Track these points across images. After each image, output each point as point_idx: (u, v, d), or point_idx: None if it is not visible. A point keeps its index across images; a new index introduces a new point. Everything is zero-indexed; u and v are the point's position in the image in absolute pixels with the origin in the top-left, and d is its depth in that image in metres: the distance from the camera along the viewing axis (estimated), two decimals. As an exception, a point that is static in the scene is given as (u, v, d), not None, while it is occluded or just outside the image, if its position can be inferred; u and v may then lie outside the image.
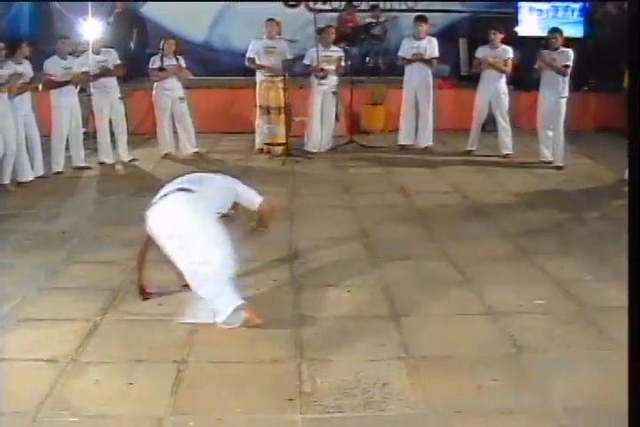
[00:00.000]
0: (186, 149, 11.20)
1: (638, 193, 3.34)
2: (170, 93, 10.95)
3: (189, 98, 11.22)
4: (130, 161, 10.84)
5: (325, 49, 11.20)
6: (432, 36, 11.48)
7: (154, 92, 11.03)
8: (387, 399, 4.10)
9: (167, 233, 5.10)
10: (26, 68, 9.19)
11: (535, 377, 4.37)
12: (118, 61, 10.63)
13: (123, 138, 10.86)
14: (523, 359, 4.61)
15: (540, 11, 14.07)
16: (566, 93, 10.11)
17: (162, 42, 11.03)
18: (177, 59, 10.94)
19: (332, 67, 11.25)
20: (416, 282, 5.95)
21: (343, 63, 11.41)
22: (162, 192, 5.30)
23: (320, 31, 11.47)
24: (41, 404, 4.04)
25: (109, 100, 10.58)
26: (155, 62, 10.87)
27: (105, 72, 10.42)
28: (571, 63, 9.95)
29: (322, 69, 11.10)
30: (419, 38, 11.27)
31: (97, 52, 10.41)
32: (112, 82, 10.59)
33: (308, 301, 5.54)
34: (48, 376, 4.36)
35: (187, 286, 5.45)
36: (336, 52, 11.37)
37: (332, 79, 11.34)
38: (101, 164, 10.60)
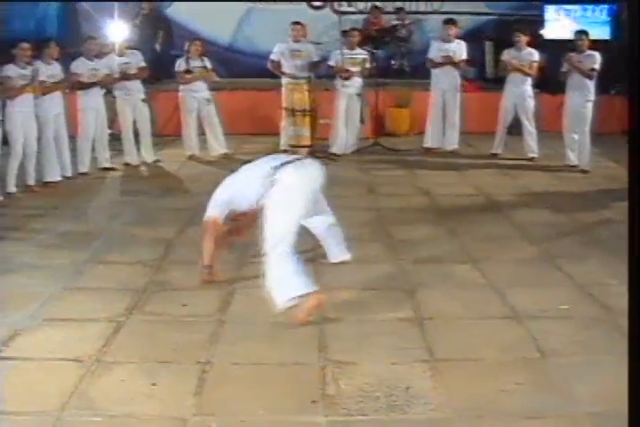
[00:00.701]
0: (214, 151, 11.22)
1: (638, 193, 3.33)
2: (196, 95, 10.98)
3: (215, 99, 11.24)
4: (154, 162, 10.89)
5: (350, 51, 11.20)
6: (461, 38, 11.45)
7: (180, 94, 11.07)
8: (410, 403, 4.09)
9: (310, 190, 5.54)
10: (56, 69, 9.26)
11: (559, 381, 4.35)
12: (143, 64, 10.64)
13: (147, 139, 10.90)
14: (546, 363, 4.59)
15: (567, 10, 14.00)
16: (593, 97, 10.06)
17: (187, 43, 11.07)
18: (202, 60, 10.99)
19: (357, 69, 11.24)
20: (440, 284, 5.94)
21: (368, 65, 11.40)
22: (273, 162, 5.60)
23: (344, 33, 11.48)
24: (65, 403, 4.07)
25: (132, 102, 10.61)
26: (180, 65, 10.92)
27: (126, 76, 10.45)
28: (598, 66, 9.90)
29: (346, 70, 11.10)
30: (448, 41, 11.24)
31: (121, 54, 10.48)
32: (135, 84, 10.61)
33: (332, 303, 5.54)
34: (72, 376, 4.39)
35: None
36: (361, 54, 11.36)
37: (357, 81, 11.32)
38: (126, 165, 10.66)
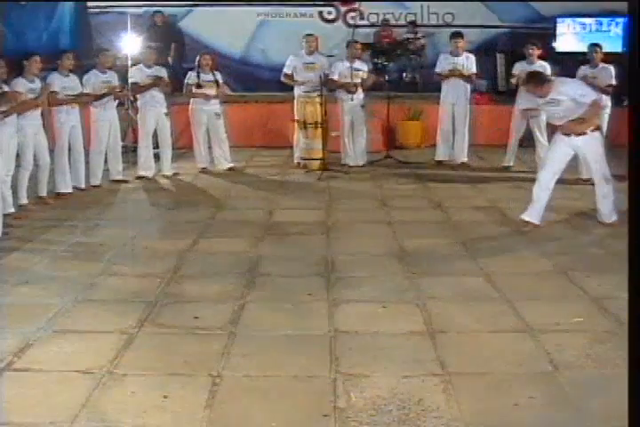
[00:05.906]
0: (221, 165, 11.24)
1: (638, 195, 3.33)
2: (206, 109, 11.01)
3: (226, 113, 11.27)
4: (172, 175, 10.89)
5: (351, 63, 11.19)
6: (470, 52, 11.44)
7: (190, 107, 11.10)
8: (422, 416, 4.06)
9: None
10: (72, 81, 9.30)
11: (572, 395, 4.31)
12: (167, 79, 10.71)
13: (167, 152, 10.91)
14: (559, 377, 4.56)
15: (582, 24, 13.99)
16: (609, 110, 10.01)
17: (197, 57, 11.10)
18: (214, 74, 11.00)
19: (358, 81, 11.23)
20: (452, 298, 5.91)
21: (365, 76, 11.38)
22: None
23: (347, 45, 11.49)
24: (76, 415, 4.05)
25: (156, 113, 10.63)
26: (191, 77, 10.95)
27: (158, 82, 10.48)
28: (614, 82, 9.86)
29: (348, 83, 11.11)
30: (456, 55, 11.23)
31: (149, 66, 10.54)
32: (160, 97, 10.67)
33: (344, 316, 5.53)
34: (84, 388, 4.38)
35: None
36: (361, 66, 11.35)
37: (360, 93, 11.31)
38: (140, 177, 10.65)
